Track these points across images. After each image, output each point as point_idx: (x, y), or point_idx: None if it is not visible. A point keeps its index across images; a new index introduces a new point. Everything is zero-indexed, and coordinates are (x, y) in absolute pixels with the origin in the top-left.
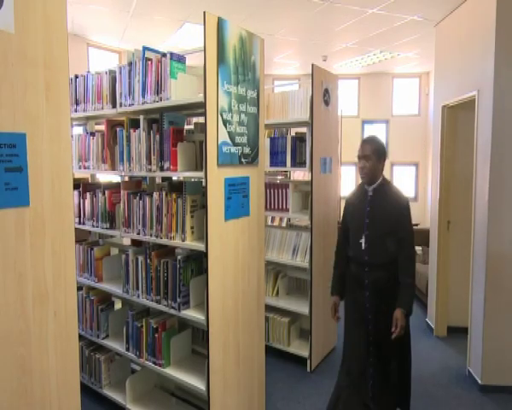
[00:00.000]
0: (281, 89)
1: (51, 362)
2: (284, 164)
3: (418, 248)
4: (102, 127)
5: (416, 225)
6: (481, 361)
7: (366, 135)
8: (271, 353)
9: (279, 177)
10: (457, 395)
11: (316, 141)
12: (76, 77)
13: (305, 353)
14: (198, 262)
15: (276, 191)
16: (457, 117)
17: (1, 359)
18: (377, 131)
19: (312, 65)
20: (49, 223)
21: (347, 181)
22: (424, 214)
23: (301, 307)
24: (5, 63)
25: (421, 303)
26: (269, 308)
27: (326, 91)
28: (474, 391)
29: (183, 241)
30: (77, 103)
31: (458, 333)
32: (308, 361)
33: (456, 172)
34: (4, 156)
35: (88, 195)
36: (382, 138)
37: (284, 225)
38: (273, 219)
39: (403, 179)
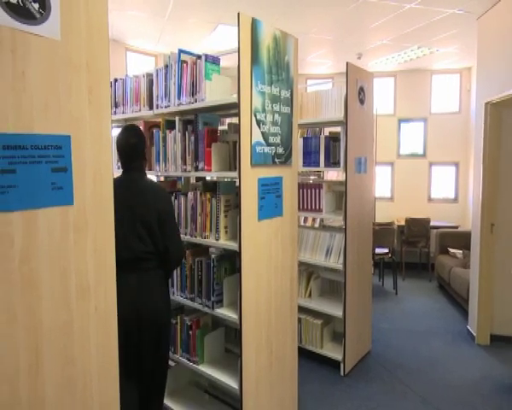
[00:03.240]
0: (314, 88)
1: (92, 354)
2: (317, 164)
3: (458, 252)
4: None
5: (456, 227)
6: None
7: (403, 134)
8: (304, 355)
9: (312, 177)
10: (498, 407)
11: (350, 140)
12: (115, 80)
13: (338, 356)
14: (231, 262)
15: (309, 191)
16: (502, 114)
17: (47, 348)
18: (414, 130)
19: (347, 63)
20: (91, 221)
21: (383, 181)
22: (465, 216)
23: (334, 310)
24: (52, 69)
25: (461, 309)
26: (301, 310)
27: (361, 90)
28: None
29: (217, 240)
30: (116, 106)
31: (502, 342)
32: (341, 365)
33: (501, 172)
34: (51, 157)
35: None
36: (420, 137)
37: (317, 225)
38: (306, 219)
39: (442, 180)
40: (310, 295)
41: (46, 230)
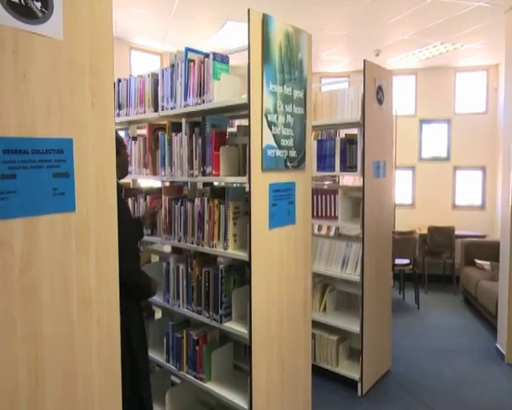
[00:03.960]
0: (329, 87)
1: (94, 369)
2: (333, 168)
3: (486, 263)
4: (144, 131)
5: (483, 236)
6: None
7: (425, 136)
8: (318, 373)
9: (327, 182)
10: None
11: (368, 143)
12: (119, 81)
13: (355, 375)
14: (240, 272)
15: (323, 198)
16: None
17: (47, 361)
18: (437, 132)
19: (364, 61)
20: (93, 228)
21: (403, 186)
22: (492, 225)
23: (351, 325)
24: (54, 69)
25: (489, 325)
26: (316, 324)
27: (379, 89)
28: None
29: (226, 249)
30: (119, 108)
31: None
32: (359, 384)
33: None
34: (53, 162)
35: (129, 200)
36: (444, 139)
37: (332, 234)
38: (320, 227)
39: (467, 185)
40: (324, 308)
41: (47, 237)
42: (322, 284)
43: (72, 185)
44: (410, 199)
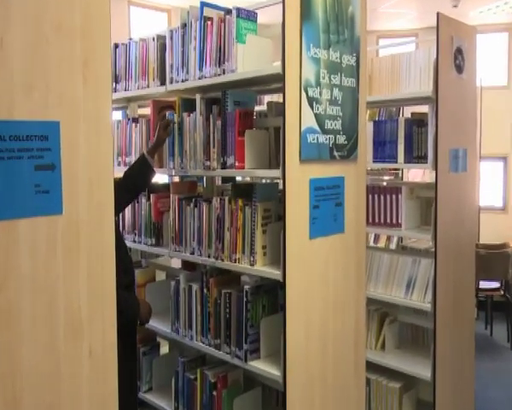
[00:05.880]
0: (390, 51)
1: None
2: (394, 159)
3: None
4: (147, 111)
5: (503, 246)
6: None
7: None
8: None
9: (386, 177)
10: None
11: (443, 125)
12: (115, 46)
13: None
14: (272, 295)
15: (381, 198)
16: None
17: (27, 401)
18: None
19: (438, 14)
20: (85, 236)
21: (491, 184)
22: None
23: (419, 369)
24: (37, 35)
25: None
26: (371, 367)
27: (458, 52)
28: None
29: (252, 265)
30: (116, 81)
31: None
32: None
33: None
34: (35, 151)
35: None
36: None
37: (394, 246)
38: (377, 237)
39: None
40: (383, 346)
41: (27, 247)
42: (380, 313)
43: (59, 181)
44: (501, 201)
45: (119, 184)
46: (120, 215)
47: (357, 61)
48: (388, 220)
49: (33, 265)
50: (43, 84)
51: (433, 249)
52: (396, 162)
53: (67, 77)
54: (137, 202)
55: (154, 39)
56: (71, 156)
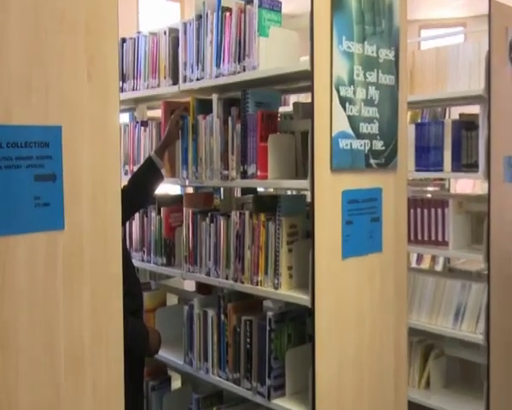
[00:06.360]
0: (434, 43)
1: None
2: (440, 167)
3: None
4: (158, 113)
5: None
6: None
7: None
8: None
9: (431, 188)
10: None
11: (496, 128)
12: (123, 41)
13: None
14: (299, 324)
15: (425, 213)
16: None
17: None
18: None
19: (489, 0)
20: (88, 255)
21: None
22: None
23: None
24: (37, 29)
25: None
26: (414, 408)
27: None
28: None
29: (276, 288)
30: (123, 79)
31: None
32: None
33: None
34: (34, 159)
35: (136, 214)
36: None
37: (440, 268)
38: (420, 258)
39: None
40: (428, 384)
41: (25, 266)
42: (424, 345)
43: (61, 193)
44: None
45: (122, 192)
46: (127, 231)
47: (397, 56)
48: (433, 238)
49: (31, 287)
50: (43, 84)
51: (486, 272)
52: (442, 171)
53: (70, 75)
54: (146, 216)
55: (165, 33)
56: (74, 165)
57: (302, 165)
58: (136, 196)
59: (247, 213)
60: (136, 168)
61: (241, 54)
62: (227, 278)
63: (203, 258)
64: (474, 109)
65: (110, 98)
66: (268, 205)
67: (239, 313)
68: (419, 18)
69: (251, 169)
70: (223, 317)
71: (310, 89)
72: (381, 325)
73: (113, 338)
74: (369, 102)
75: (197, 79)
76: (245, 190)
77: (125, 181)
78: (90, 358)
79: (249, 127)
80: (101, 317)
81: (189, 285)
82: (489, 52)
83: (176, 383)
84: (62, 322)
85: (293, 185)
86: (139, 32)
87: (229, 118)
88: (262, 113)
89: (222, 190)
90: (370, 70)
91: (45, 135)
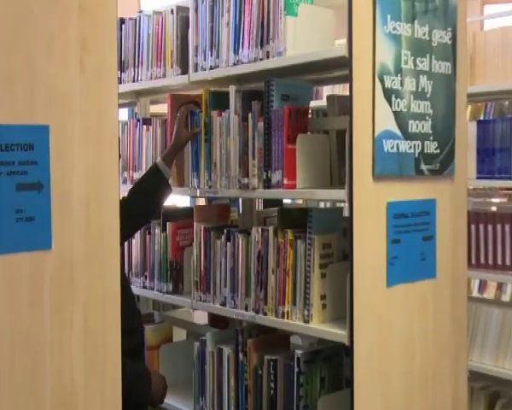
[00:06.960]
0: (499, 22)
1: None
2: (508, 174)
3: None
4: (163, 109)
5: None
6: None
7: None
8: None
9: (496, 200)
10: None
11: None
12: (121, 22)
13: None
14: (334, 364)
15: (490, 230)
16: None
17: None
18: None
19: None
20: (80, 280)
21: None
22: None
23: None
24: (23, 10)
25: None
26: None
27: None
28: None
29: (307, 322)
30: (122, 68)
31: None
32: None
33: None
34: (16, 165)
35: (138, 232)
36: None
37: (508, 298)
38: (483, 285)
39: None
40: None
41: (5, 292)
42: (489, 392)
43: (47, 205)
44: None
45: (121, 205)
46: (126, 252)
47: (454, 38)
48: (499, 261)
49: (13, 317)
50: (27, 76)
51: None
52: (510, 179)
53: (59, 64)
54: (149, 233)
55: (172, 12)
56: (63, 172)
57: (338, 171)
58: (138, 209)
59: (270, 229)
60: (137, 176)
61: (263, 37)
62: (246, 309)
63: (217, 284)
64: None
65: (107, 92)
66: (296, 220)
67: (261, 351)
68: None
69: (276, 177)
70: (241, 356)
71: (347, 79)
72: (434, 368)
73: (110, 383)
74: (419, 94)
75: (211, 68)
76: (268, 202)
77: (123, 190)
78: (84, 402)
79: (274, 126)
80: (95, 353)
81: (201, 317)
82: None
83: None
84: (49, 361)
85: (327, 196)
86: (141, 12)
87: (250, 114)
88: (289, 108)
89: (240, 201)
90: (422, 56)
91: (29, 136)
